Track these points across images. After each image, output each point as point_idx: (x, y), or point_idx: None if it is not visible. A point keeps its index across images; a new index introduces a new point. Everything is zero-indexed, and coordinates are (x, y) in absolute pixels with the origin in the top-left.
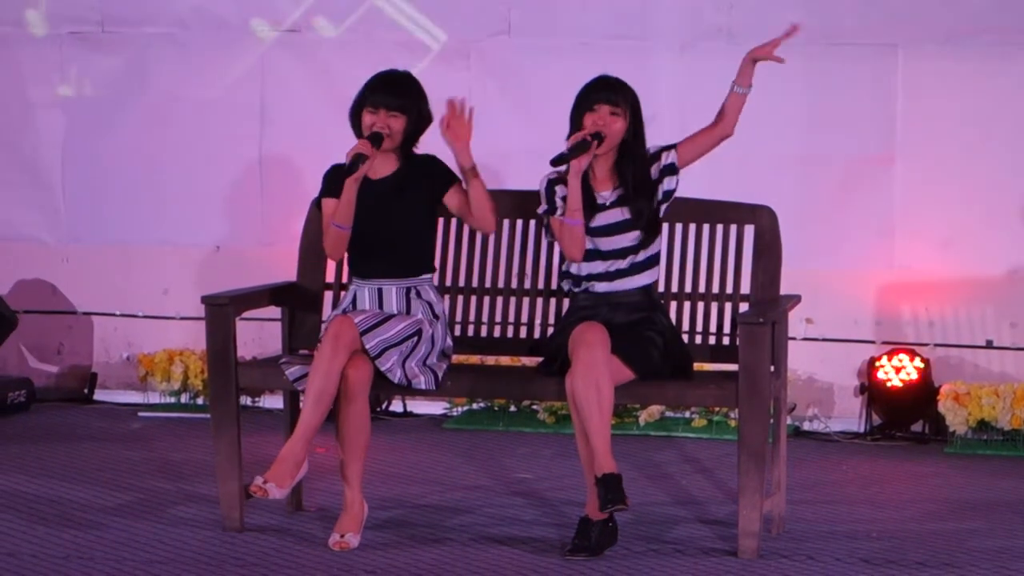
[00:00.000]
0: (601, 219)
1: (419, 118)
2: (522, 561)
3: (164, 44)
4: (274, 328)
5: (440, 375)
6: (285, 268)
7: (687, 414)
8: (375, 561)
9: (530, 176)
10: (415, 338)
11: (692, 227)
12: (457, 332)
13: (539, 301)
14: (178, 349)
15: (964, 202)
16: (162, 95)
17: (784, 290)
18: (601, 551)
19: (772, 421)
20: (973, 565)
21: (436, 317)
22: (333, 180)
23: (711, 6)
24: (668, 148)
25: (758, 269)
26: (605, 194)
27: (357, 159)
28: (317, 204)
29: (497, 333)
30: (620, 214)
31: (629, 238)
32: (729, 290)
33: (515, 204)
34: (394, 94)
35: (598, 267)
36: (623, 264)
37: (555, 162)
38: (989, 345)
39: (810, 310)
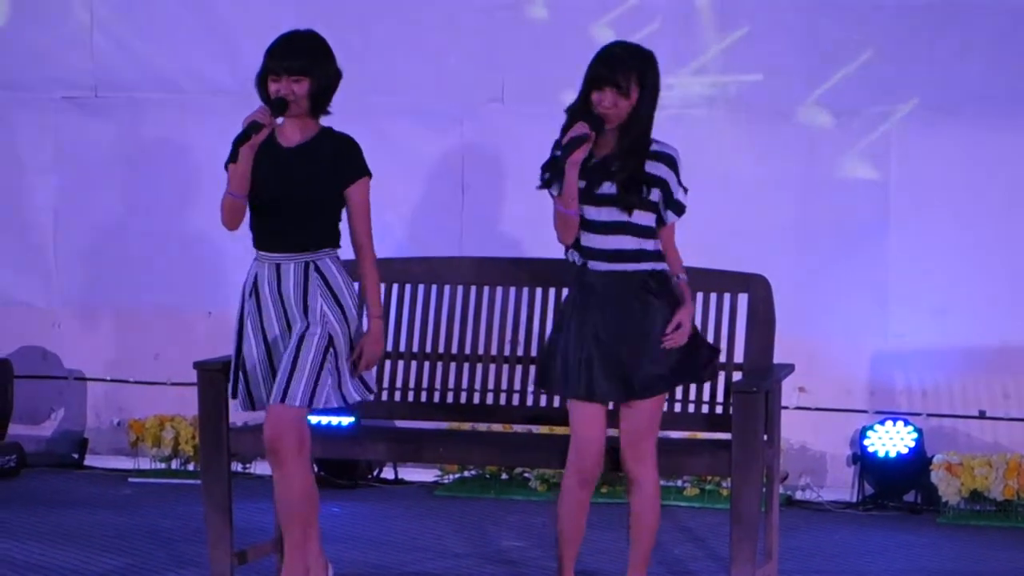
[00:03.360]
0: (587, 185)
1: (324, 78)
2: None
3: (158, 109)
4: None
5: (368, 379)
6: None
7: (679, 483)
8: None
9: (521, 241)
10: (331, 350)
11: None
12: (449, 399)
13: (531, 368)
14: (169, 415)
15: (957, 272)
16: (155, 160)
17: (777, 358)
18: None
19: (764, 490)
20: None
21: (333, 295)
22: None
23: (703, 73)
24: (673, 199)
25: (752, 338)
26: (602, 158)
27: (250, 128)
28: (225, 167)
29: (489, 400)
30: (609, 187)
31: (614, 212)
32: (723, 359)
33: (506, 272)
34: (295, 57)
35: (596, 241)
36: (621, 243)
37: (547, 167)
38: (982, 415)
39: (803, 379)
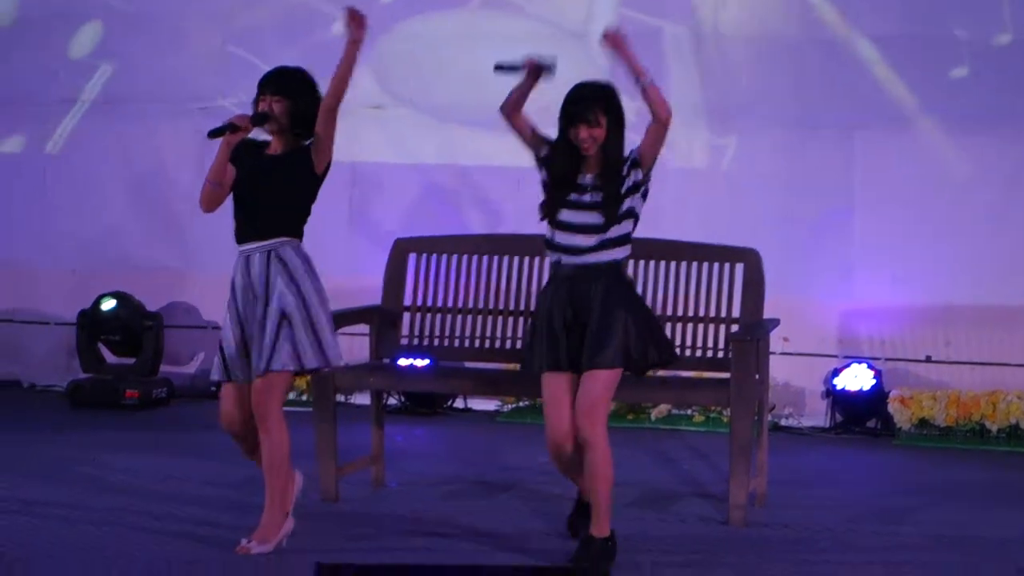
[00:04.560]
0: (575, 196)
1: (302, 102)
2: (548, 514)
3: None
4: (363, 341)
5: (325, 346)
6: (371, 293)
7: (689, 412)
8: (441, 514)
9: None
10: (286, 322)
11: (695, 264)
12: (508, 346)
13: None
14: None
15: (909, 249)
16: None
17: (766, 315)
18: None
19: (756, 418)
20: (914, 532)
21: (292, 279)
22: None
23: (722, 98)
24: (634, 150)
25: (746, 298)
26: (589, 177)
27: (227, 126)
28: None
29: None
30: (590, 197)
31: (594, 216)
32: (723, 314)
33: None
34: (277, 82)
35: (568, 239)
36: (592, 240)
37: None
38: (928, 360)
39: (787, 330)
